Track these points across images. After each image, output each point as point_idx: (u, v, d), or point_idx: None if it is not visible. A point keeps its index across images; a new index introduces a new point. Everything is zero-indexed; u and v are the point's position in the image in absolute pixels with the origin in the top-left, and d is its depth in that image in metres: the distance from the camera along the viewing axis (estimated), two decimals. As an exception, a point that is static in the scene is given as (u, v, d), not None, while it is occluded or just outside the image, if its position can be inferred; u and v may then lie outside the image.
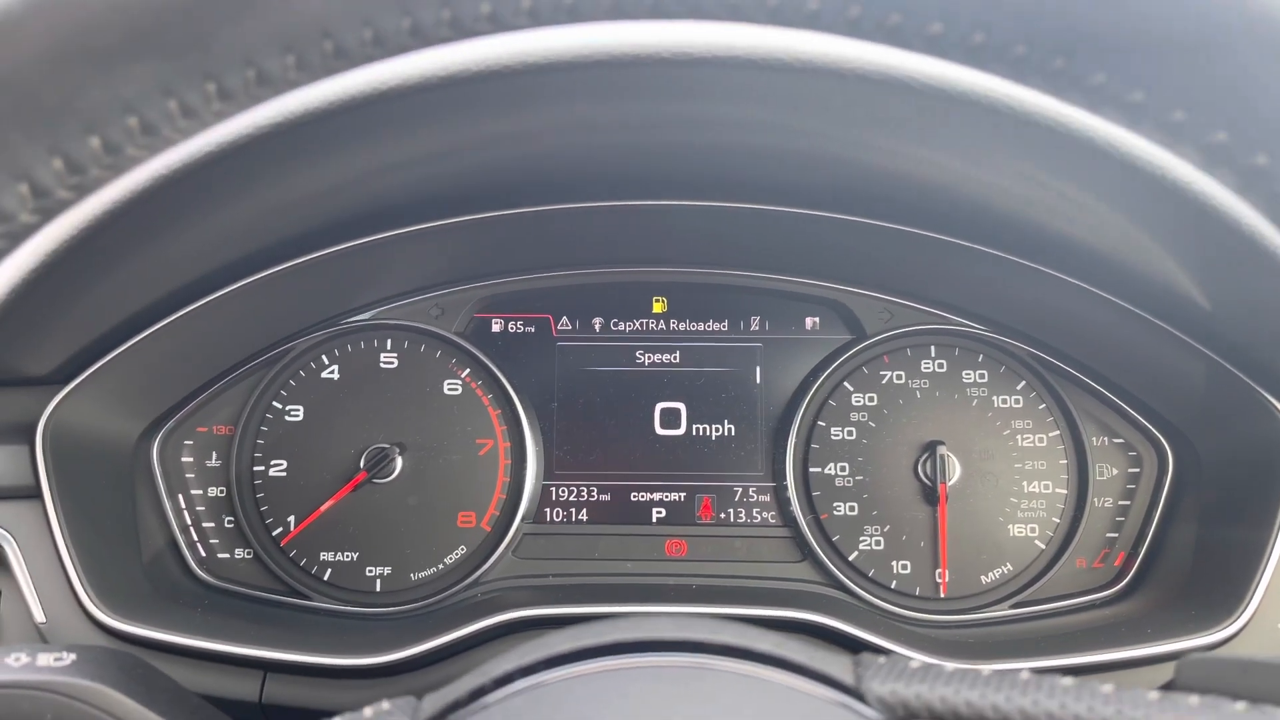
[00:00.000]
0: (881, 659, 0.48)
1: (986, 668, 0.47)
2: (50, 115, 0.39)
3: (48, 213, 0.42)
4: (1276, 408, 0.86)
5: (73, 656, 0.63)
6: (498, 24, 0.42)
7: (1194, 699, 0.44)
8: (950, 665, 0.47)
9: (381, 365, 1.08)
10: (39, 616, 0.86)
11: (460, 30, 0.42)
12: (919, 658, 0.69)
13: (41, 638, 0.86)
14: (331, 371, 1.07)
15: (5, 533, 0.86)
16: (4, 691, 0.61)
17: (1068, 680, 0.45)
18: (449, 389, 1.08)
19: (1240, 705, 0.43)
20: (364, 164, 0.82)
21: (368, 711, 0.47)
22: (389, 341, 1.08)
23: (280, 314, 1.03)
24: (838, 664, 0.48)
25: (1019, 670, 0.47)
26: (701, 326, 1.11)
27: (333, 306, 1.06)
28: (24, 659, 0.63)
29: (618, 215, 1.00)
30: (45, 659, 0.63)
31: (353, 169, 0.82)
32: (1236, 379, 0.87)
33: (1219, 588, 0.86)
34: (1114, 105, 0.40)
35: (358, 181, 0.85)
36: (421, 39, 0.42)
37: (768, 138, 0.87)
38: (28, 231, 0.42)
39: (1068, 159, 0.76)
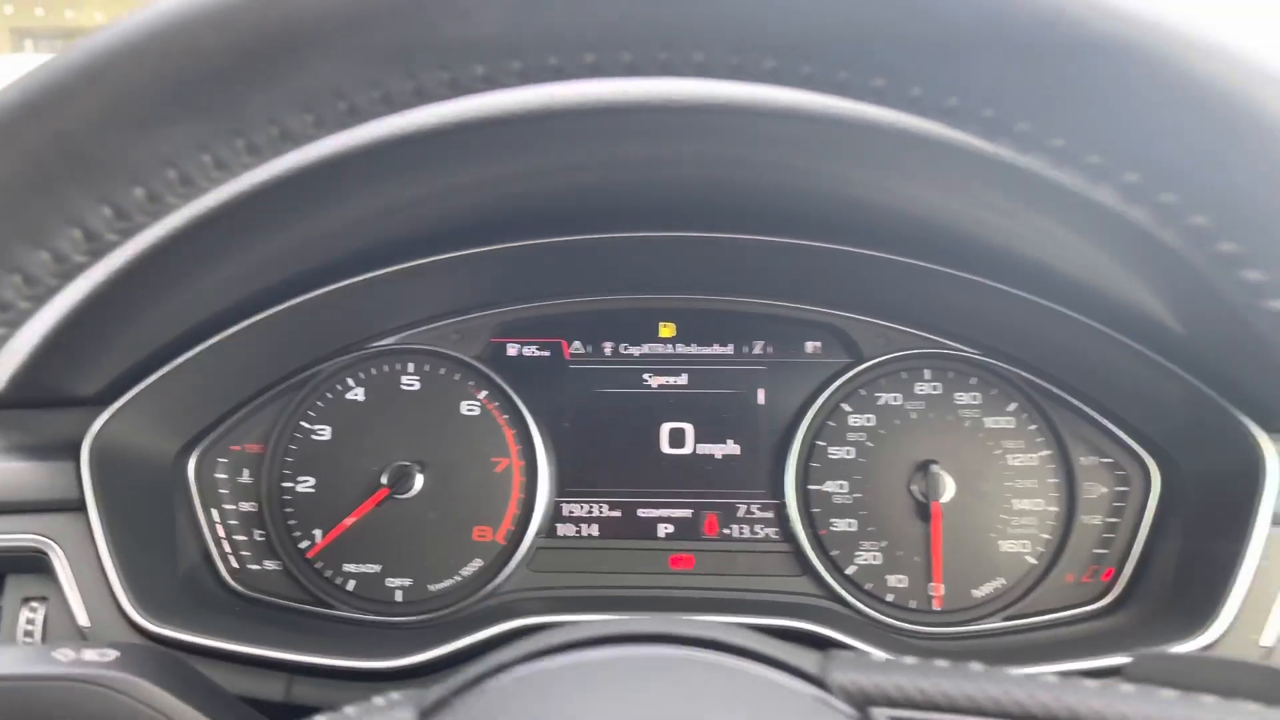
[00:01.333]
0: (849, 654, 0.53)
1: (942, 661, 0.51)
2: (101, 170, 0.46)
3: (96, 254, 0.48)
4: (1250, 427, 0.90)
5: (115, 654, 0.70)
6: (492, 83, 0.48)
7: (1128, 687, 0.48)
8: (911, 659, 0.51)
9: (403, 387, 1.14)
10: (83, 620, 0.92)
11: (459, 89, 0.48)
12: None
13: (84, 640, 0.92)
14: (357, 393, 1.14)
15: (52, 542, 0.93)
16: (51, 684, 0.67)
17: (1015, 671, 0.49)
18: (467, 410, 1.14)
19: (1169, 693, 0.48)
20: (386, 201, 0.88)
21: (378, 700, 0.52)
22: (410, 365, 1.14)
23: (309, 339, 1.09)
24: (807, 658, 0.53)
25: (971, 663, 0.51)
26: (707, 350, 1.16)
27: (358, 332, 1.13)
28: (70, 654, 0.69)
29: (629, 246, 1.06)
30: (90, 655, 0.69)
31: (375, 205, 0.89)
32: (1213, 401, 0.91)
33: (1198, 600, 0.90)
34: (1007, 135, 0.44)
35: (380, 217, 0.92)
36: (425, 98, 0.48)
37: (769, 174, 0.92)
38: (79, 270, 0.48)
39: (1037, 194, 0.81)
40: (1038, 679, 0.48)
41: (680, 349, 1.16)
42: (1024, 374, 1.08)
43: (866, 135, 0.80)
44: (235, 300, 0.98)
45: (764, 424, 1.14)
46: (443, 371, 1.14)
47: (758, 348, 1.15)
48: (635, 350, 1.17)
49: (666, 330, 1.17)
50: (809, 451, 1.11)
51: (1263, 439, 0.89)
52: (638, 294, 1.16)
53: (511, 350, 1.17)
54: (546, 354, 1.17)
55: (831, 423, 1.11)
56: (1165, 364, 0.93)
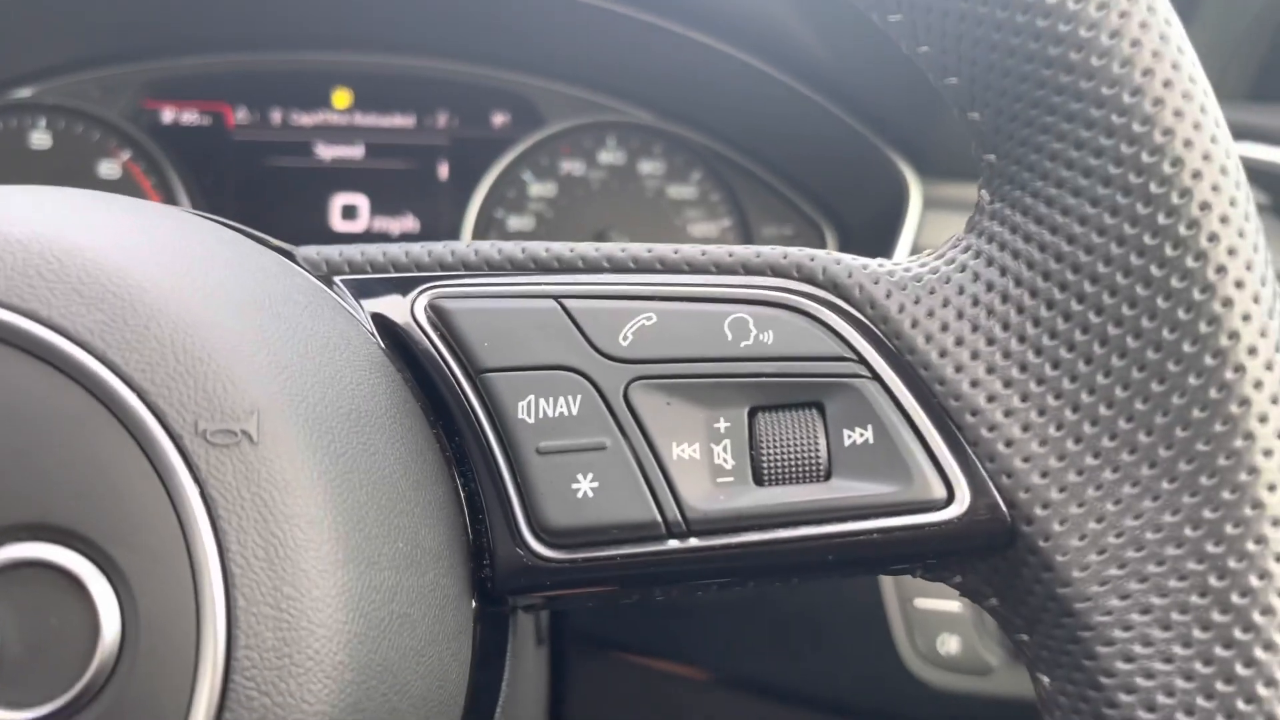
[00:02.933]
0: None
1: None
2: None
3: None
4: (901, 167, 0.89)
5: None
6: None
7: None
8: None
9: (34, 147, 1.01)
10: None
11: None
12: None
13: None
14: (-23, 150, 1.00)
15: None
16: None
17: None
18: (106, 172, 1.02)
19: None
20: None
21: None
22: (44, 121, 1.02)
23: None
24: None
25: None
26: (387, 122, 1.08)
27: (-26, 76, 0.99)
28: None
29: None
30: None
31: None
32: (871, 144, 0.90)
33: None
34: None
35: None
36: None
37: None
38: None
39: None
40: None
41: (358, 119, 1.08)
42: (709, 144, 1.05)
43: None
44: None
45: (445, 198, 1.06)
46: (81, 130, 1.02)
47: (441, 120, 1.08)
48: (308, 120, 1.07)
49: (342, 99, 1.08)
50: (486, 223, 1.05)
51: (911, 178, 0.88)
52: (310, 51, 1.06)
53: (167, 117, 1.05)
54: (207, 122, 1.06)
55: (511, 193, 1.05)
56: (830, 108, 0.91)
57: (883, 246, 0.89)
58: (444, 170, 1.07)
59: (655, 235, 1.04)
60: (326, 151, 1.06)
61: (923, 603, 0.83)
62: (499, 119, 1.08)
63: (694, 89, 1.01)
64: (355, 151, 1.07)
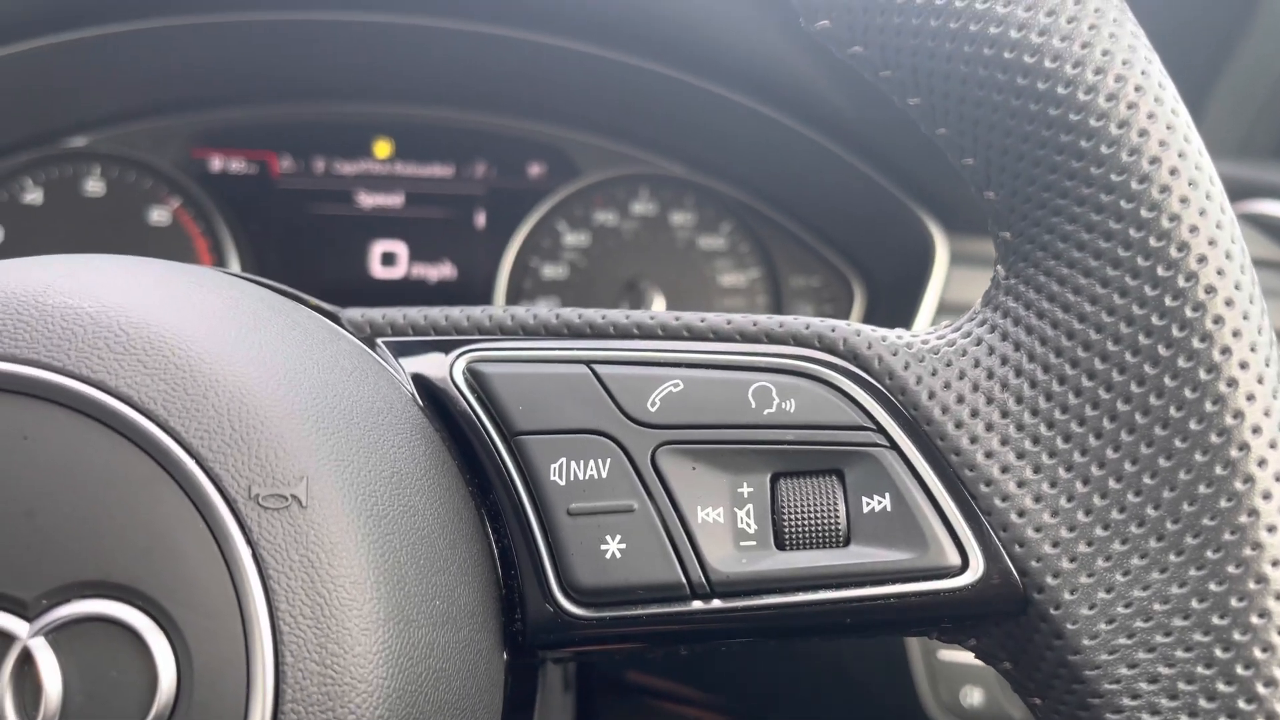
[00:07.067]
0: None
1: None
2: None
3: None
4: (927, 223, 0.90)
5: None
6: None
7: None
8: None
9: (88, 194, 1.05)
10: None
11: None
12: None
13: None
14: (35, 196, 1.04)
15: None
16: None
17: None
18: (157, 219, 1.06)
19: None
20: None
21: None
22: (98, 169, 1.06)
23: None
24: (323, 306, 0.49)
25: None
26: (427, 171, 1.11)
27: (35, 124, 1.03)
28: None
29: (336, 33, 1.00)
30: None
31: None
32: (893, 196, 0.92)
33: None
34: None
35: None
36: None
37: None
38: None
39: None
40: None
41: (398, 168, 1.11)
42: (739, 196, 1.07)
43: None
44: None
45: (481, 246, 1.09)
46: (133, 179, 1.06)
47: (479, 170, 1.11)
48: (350, 169, 1.10)
49: (383, 149, 1.11)
50: (522, 271, 1.07)
51: (938, 233, 0.90)
52: (352, 101, 1.09)
53: (215, 165, 1.09)
54: (253, 170, 1.10)
55: (546, 242, 1.08)
56: (857, 164, 0.93)
57: (910, 300, 0.91)
58: (481, 219, 1.10)
59: (686, 285, 1.06)
60: (367, 200, 1.10)
61: (946, 654, 0.84)
62: (535, 170, 1.11)
63: (724, 143, 1.03)
64: (395, 200, 1.10)
